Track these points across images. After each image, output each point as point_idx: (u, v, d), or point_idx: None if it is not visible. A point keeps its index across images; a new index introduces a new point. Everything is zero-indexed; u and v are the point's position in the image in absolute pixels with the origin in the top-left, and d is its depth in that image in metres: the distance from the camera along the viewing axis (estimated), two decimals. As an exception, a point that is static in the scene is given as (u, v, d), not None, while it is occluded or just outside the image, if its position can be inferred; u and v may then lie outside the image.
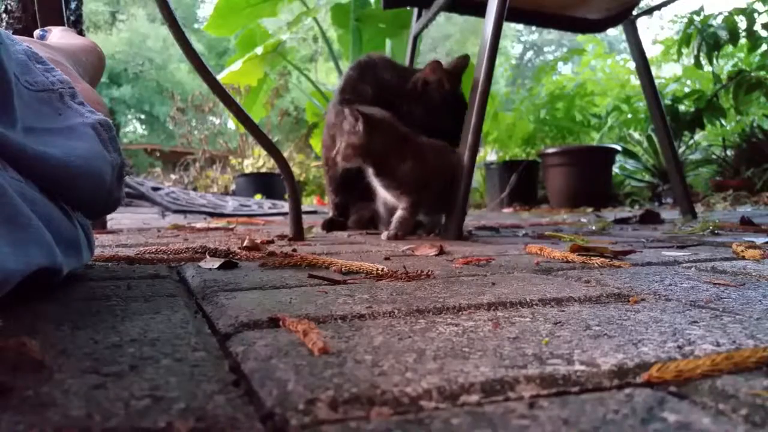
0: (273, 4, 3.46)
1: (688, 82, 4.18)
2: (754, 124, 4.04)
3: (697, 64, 3.03)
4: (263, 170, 5.54)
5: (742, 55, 3.87)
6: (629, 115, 4.17)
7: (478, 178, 4.39)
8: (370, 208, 1.36)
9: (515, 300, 0.45)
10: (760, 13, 2.92)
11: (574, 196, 3.43)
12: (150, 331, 0.36)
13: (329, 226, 1.48)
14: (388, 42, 3.71)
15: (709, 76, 3.56)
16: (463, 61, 1.43)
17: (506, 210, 3.53)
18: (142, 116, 16.80)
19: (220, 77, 3.12)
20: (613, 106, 4.34)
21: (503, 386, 0.26)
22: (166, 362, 0.30)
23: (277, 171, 4.79)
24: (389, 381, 0.26)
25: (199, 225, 1.77)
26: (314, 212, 3.13)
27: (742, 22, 2.92)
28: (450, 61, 1.45)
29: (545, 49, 20.93)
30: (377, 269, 0.61)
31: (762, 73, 3.16)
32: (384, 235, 1.16)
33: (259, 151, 5.76)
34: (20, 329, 0.37)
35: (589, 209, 2.94)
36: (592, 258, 0.71)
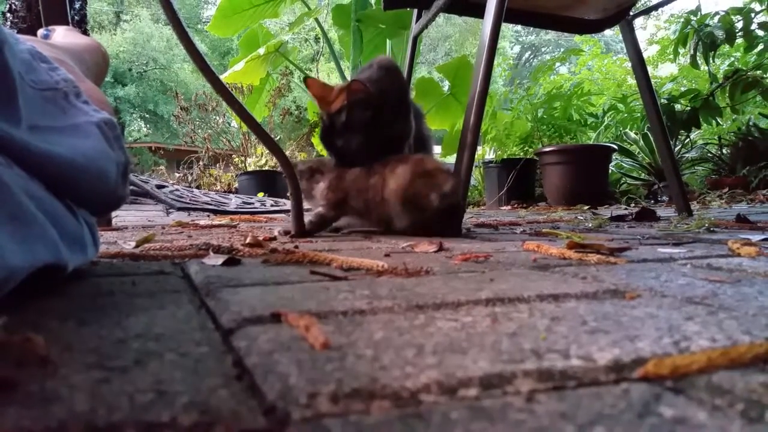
0: (275, 5, 3.47)
1: (685, 81, 4.20)
2: (750, 123, 4.06)
3: (694, 64, 3.04)
4: (266, 168, 5.53)
5: (738, 54, 3.88)
6: (626, 114, 4.18)
7: (476, 176, 4.40)
8: None
9: (513, 296, 0.45)
10: (756, 13, 2.93)
11: (571, 194, 3.44)
12: (154, 327, 0.37)
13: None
14: (388, 42, 3.71)
15: (706, 76, 3.58)
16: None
17: (504, 208, 3.53)
18: (147, 115, 16.85)
19: (224, 77, 3.12)
20: (610, 105, 4.36)
21: (501, 381, 0.26)
22: (171, 357, 0.30)
23: (279, 169, 4.78)
24: (389, 375, 0.26)
25: (202, 222, 1.77)
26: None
27: (738, 22, 2.93)
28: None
29: (543, 49, 20.96)
30: (377, 265, 0.62)
31: (758, 72, 3.17)
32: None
33: (262, 149, 5.75)
34: (25, 325, 0.37)
35: (586, 207, 2.94)
36: (588, 255, 0.71)
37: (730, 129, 4.14)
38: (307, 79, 1.32)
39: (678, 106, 3.40)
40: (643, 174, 4.23)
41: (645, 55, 1.95)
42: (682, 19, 3.10)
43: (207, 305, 0.45)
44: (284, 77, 5.56)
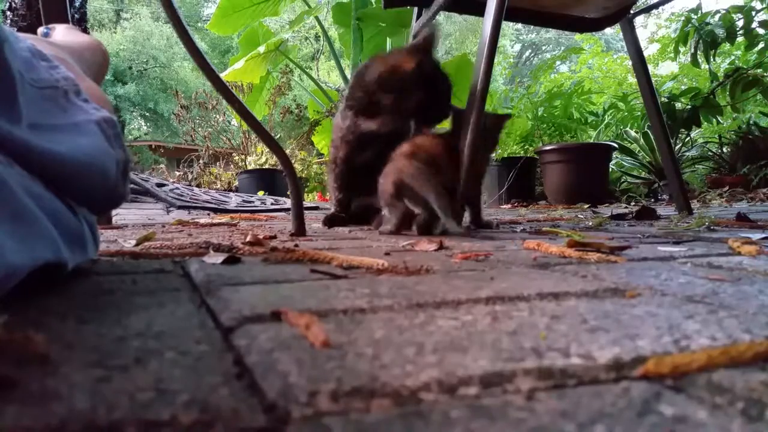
0: (275, 3, 3.47)
1: (685, 80, 4.20)
2: (751, 122, 4.07)
3: (694, 62, 3.04)
4: (266, 167, 5.54)
5: (739, 53, 3.88)
6: (626, 113, 4.19)
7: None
8: (369, 203, 1.37)
9: (513, 294, 0.45)
10: (757, 11, 2.93)
11: (571, 193, 3.44)
12: (154, 325, 0.36)
13: (330, 221, 1.48)
14: (388, 41, 3.72)
15: (706, 74, 3.58)
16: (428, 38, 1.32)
17: (504, 206, 3.54)
18: (147, 113, 16.90)
19: (224, 75, 3.13)
20: (610, 103, 4.36)
21: (501, 379, 0.26)
22: (171, 355, 0.30)
23: (279, 168, 4.79)
24: (389, 373, 0.26)
25: (202, 221, 1.78)
26: (316, 208, 3.14)
27: (739, 20, 2.93)
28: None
29: (543, 47, 20.97)
30: (378, 264, 0.61)
31: (759, 70, 3.17)
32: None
33: (262, 148, 5.76)
34: (26, 323, 0.37)
35: (586, 205, 2.94)
36: (588, 253, 0.71)
37: (731, 127, 4.15)
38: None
39: (678, 105, 3.40)
40: (643, 172, 4.23)
41: (645, 53, 1.95)
42: (682, 18, 3.10)
43: (207, 303, 0.45)
44: (284, 75, 5.57)
